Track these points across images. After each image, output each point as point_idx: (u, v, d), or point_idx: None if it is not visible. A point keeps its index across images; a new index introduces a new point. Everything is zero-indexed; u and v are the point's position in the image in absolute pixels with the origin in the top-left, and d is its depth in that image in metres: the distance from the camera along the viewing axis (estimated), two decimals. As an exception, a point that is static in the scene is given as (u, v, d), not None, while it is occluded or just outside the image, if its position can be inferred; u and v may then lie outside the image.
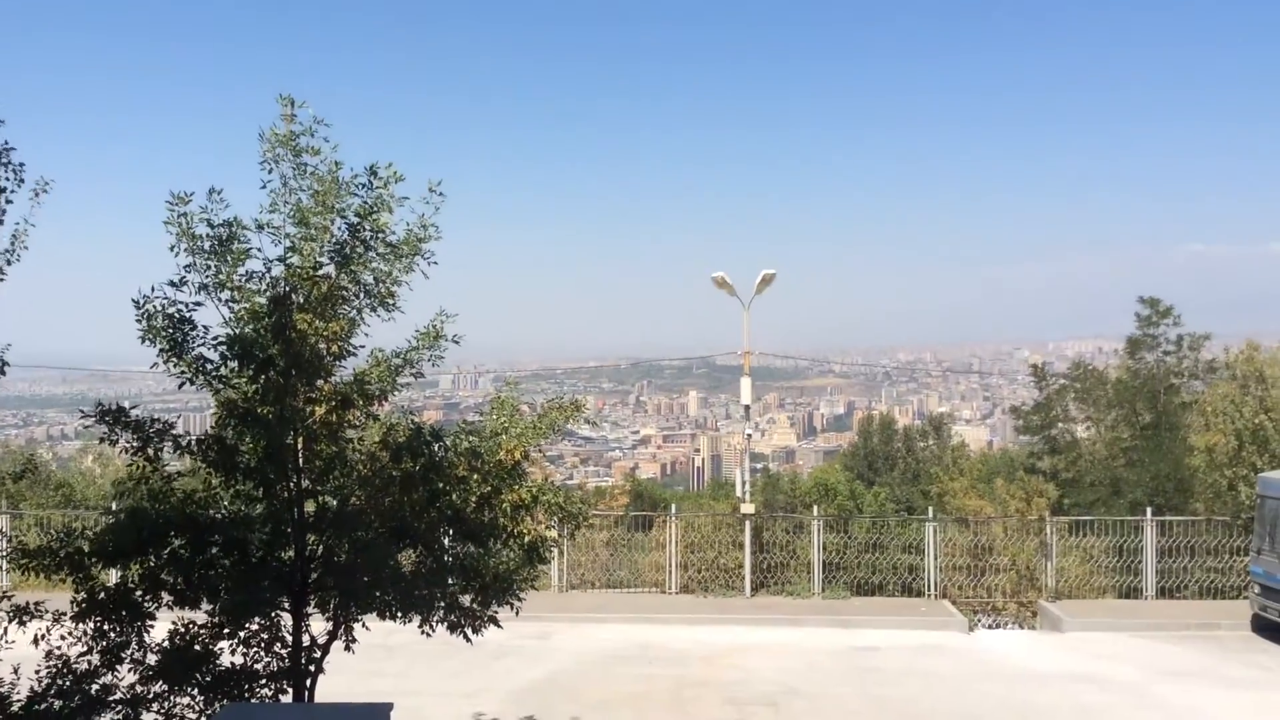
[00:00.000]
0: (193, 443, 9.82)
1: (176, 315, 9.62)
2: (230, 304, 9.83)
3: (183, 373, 9.73)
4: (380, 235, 9.98)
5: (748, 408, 27.13)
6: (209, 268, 9.71)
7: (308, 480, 10.09)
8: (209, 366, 9.74)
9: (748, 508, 24.54)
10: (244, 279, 9.83)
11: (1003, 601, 23.71)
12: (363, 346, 10.55)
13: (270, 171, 9.90)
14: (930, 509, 25.88)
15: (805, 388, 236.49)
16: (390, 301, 10.18)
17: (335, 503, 10.27)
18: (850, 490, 35.91)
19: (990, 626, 22.52)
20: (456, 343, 10.68)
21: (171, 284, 9.61)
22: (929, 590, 23.83)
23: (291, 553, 10.02)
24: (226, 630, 9.80)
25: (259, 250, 9.82)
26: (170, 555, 9.61)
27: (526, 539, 10.72)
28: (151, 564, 9.61)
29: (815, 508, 25.77)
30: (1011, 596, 23.75)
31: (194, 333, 9.67)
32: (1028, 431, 36.94)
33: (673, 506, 26.09)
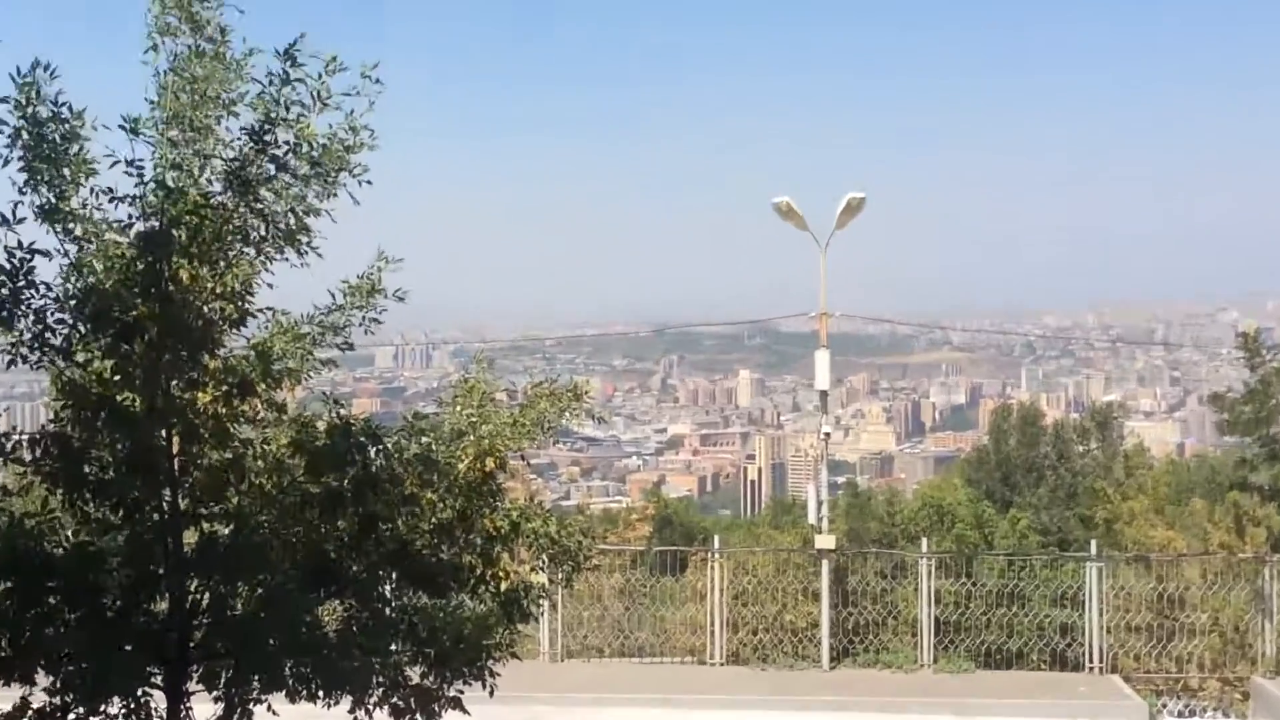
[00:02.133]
0: (21, 445, 9.89)
1: (10, 253, 9.67)
2: (79, 241, 9.87)
3: (11, 345, 9.80)
4: (300, 148, 10.00)
5: (825, 395, 27.03)
6: (48, 182, 9.75)
7: (188, 499, 10.15)
8: (47, 336, 9.81)
9: (825, 540, 24.56)
10: (97, 205, 9.89)
11: (1200, 678, 23.67)
12: (269, 308, 10.63)
13: (154, 50, 9.96)
14: (1093, 543, 25.82)
15: (909, 365, 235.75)
16: (302, 239, 10.21)
17: (227, 532, 10.34)
18: (976, 515, 35.85)
19: (1183, 714, 22.48)
20: (401, 299, 10.74)
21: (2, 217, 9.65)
22: (1092, 661, 23.81)
23: (165, 604, 10.09)
24: (73, 715, 9.89)
25: (125, 163, 9.84)
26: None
27: (503, 585, 10.76)
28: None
29: (924, 541, 25.78)
30: (1213, 671, 23.70)
31: (28, 289, 9.72)
32: (1236, 429, 36.58)
33: (715, 539, 26.17)
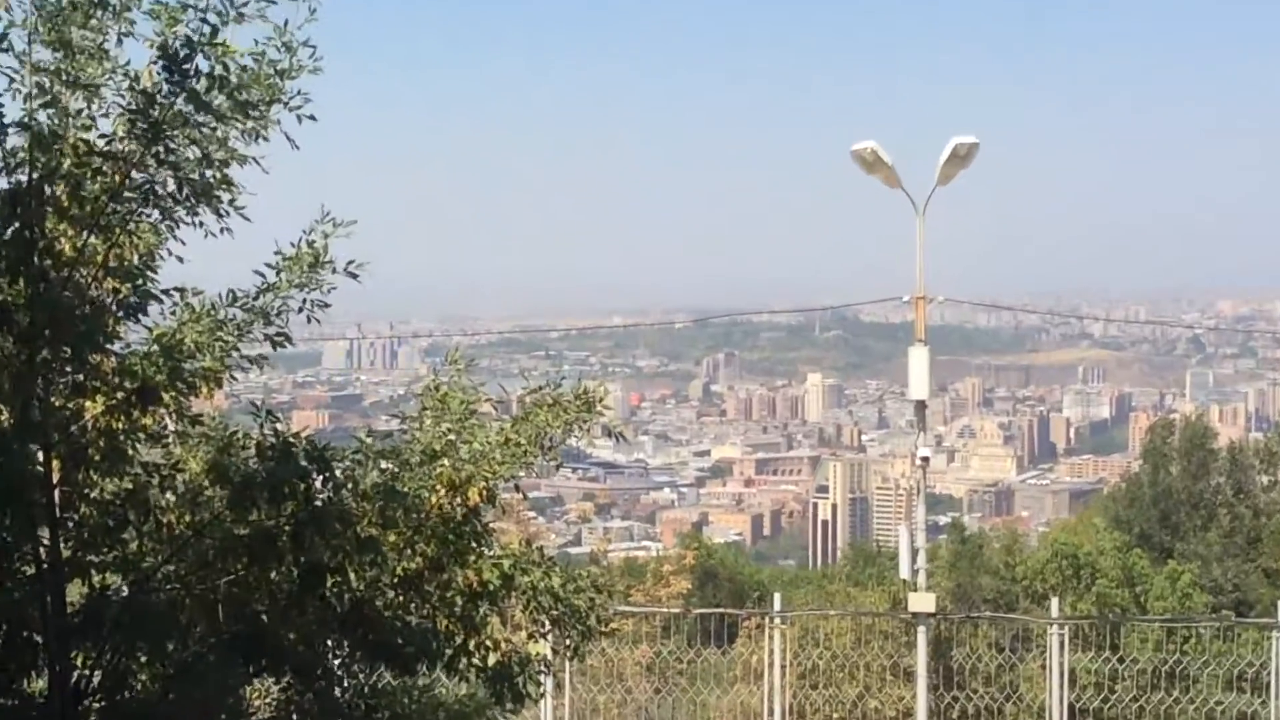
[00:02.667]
0: None
1: None
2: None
3: None
4: (218, 74, 9.96)
5: (923, 406, 26.88)
6: None
7: (72, 543, 10.17)
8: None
9: (923, 601, 24.46)
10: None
11: None
12: (177, 289, 10.63)
13: None
14: (1281, 605, 25.66)
15: (1034, 367, 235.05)
16: (221, 196, 10.18)
17: (125, 586, 10.35)
18: (1124, 569, 35.68)
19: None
20: (354, 276, 10.74)
21: None
22: (1278, 764, 23.65)
23: (44, 681, 10.12)
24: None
25: None
26: None
27: (491, 658, 10.77)
28: None
29: (1054, 602, 25.66)
30: None
31: None
32: None
33: (776, 598, 26.09)
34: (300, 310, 10.77)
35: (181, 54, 9.69)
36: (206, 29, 9.75)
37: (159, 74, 9.79)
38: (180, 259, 10.45)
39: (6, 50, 9.87)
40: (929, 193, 25.13)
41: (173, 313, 10.60)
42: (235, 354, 10.57)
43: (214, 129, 10.09)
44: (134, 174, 9.95)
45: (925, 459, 26.54)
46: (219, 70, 9.83)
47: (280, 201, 10.82)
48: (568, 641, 12.11)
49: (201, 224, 10.35)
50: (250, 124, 10.15)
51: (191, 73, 9.72)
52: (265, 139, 10.24)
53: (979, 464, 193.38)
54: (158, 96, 9.75)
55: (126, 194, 9.95)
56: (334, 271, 10.72)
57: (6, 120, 9.85)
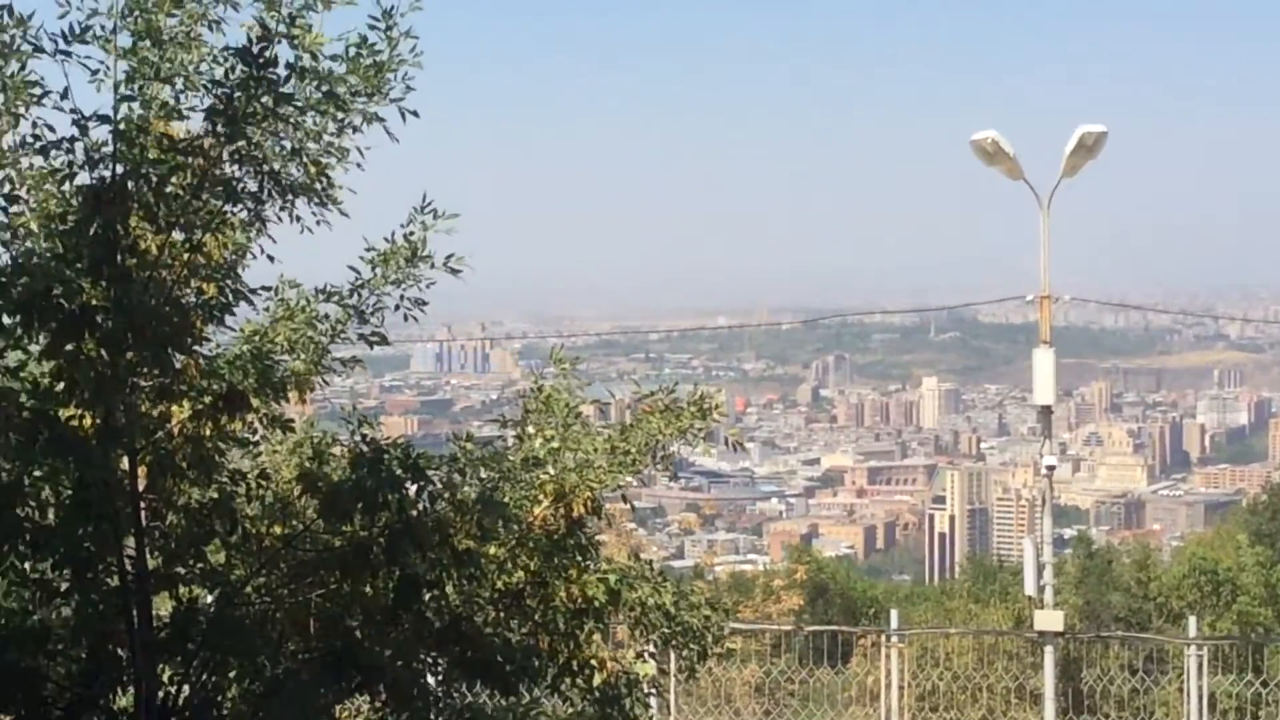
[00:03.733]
0: (-69, 478, 10.04)
1: None
2: (12, 198, 10.03)
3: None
4: (308, 69, 10.00)
5: (1048, 412, 26.60)
6: None
7: (158, 554, 10.25)
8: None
9: (1049, 619, 24.25)
10: (25, 148, 10.02)
11: None
12: (266, 288, 10.68)
13: None
14: None
15: (1166, 371, 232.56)
16: (323, 188, 10.23)
17: (212, 599, 10.42)
18: (1267, 584, 35.29)
19: None
20: (454, 271, 10.73)
21: None
22: None
23: (129, 699, 10.20)
24: None
25: (57, 98, 9.95)
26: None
27: (597, 678, 10.76)
28: None
29: (1191, 621, 25.38)
30: None
31: None
32: None
33: (892, 615, 25.95)
34: (397, 308, 10.79)
35: (257, 45, 9.74)
36: (285, 17, 9.79)
37: (236, 66, 9.82)
38: (271, 257, 10.50)
39: (89, 41, 9.96)
40: (1053, 185, 24.86)
41: (265, 309, 10.65)
42: (327, 357, 10.61)
43: (301, 121, 10.12)
44: (216, 170, 9.99)
45: (1051, 468, 26.22)
46: (306, 60, 9.86)
47: (370, 194, 10.78)
48: (679, 661, 12.08)
49: (298, 218, 10.39)
50: (346, 117, 10.18)
51: (271, 63, 9.75)
52: (360, 132, 10.27)
53: (1107, 473, 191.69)
54: (234, 90, 9.79)
55: (210, 190, 9.99)
56: (432, 267, 10.73)
57: (89, 112, 9.95)
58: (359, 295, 10.68)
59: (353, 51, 10.08)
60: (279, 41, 9.79)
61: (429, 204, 10.73)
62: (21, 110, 10.03)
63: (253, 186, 10.19)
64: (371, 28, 10.11)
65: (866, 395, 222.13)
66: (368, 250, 10.75)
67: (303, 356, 10.51)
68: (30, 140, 10.00)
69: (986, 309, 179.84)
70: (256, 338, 10.39)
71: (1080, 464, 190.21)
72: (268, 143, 10.09)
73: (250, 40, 9.76)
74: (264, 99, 9.83)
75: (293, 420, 10.81)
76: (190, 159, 9.85)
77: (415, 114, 10.35)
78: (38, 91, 9.95)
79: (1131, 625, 30.67)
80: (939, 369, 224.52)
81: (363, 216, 10.99)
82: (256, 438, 10.81)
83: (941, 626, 26.76)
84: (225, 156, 9.94)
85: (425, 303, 10.84)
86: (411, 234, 10.67)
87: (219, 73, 9.90)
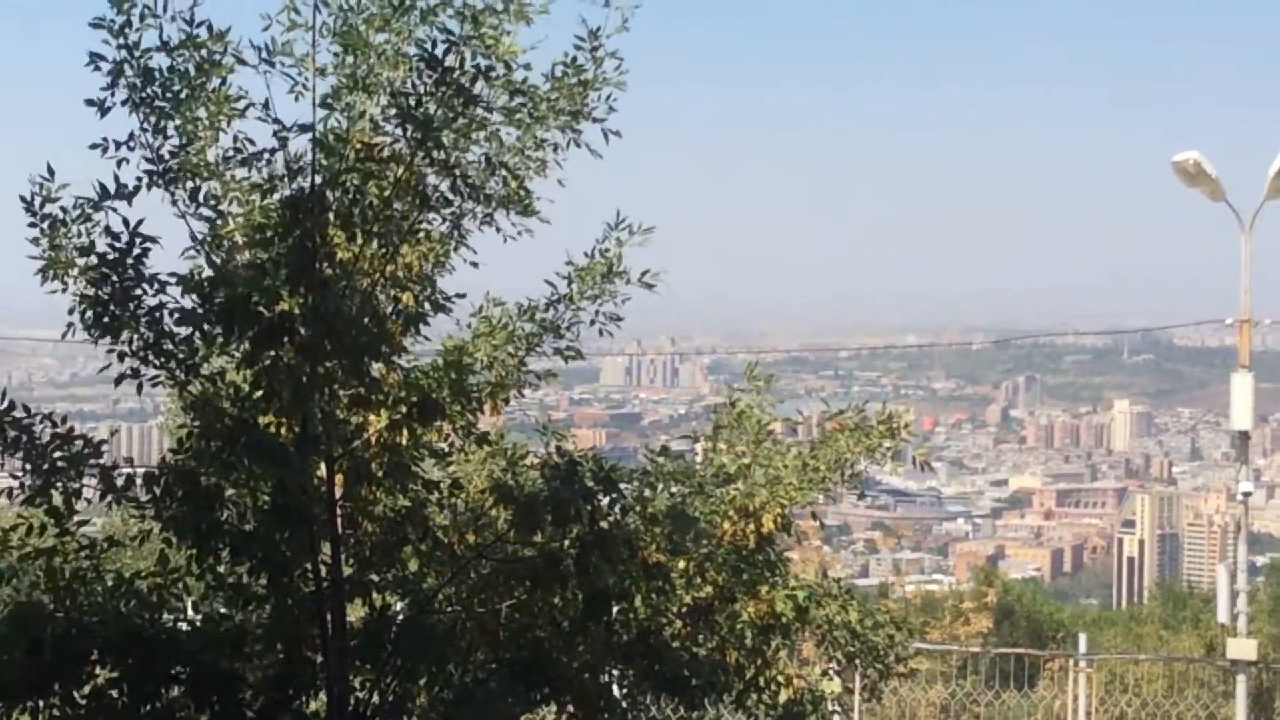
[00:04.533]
0: (134, 482, 10.23)
1: (109, 245, 9.97)
2: (204, 208, 10.20)
3: (120, 352, 10.14)
4: (495, 72, 10.07)
5: (1245, 437, 26.07)
6: (164, 129, 10.05)
7: (353, 561, 10.36)
8: (164, 337, 10.12)
9: (1243, 648, 23.74)
10: (229, 161, 10.19)
11: None
12: (460, 295, 10.75)
13: None
14: None
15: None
16: (523, 200, 10.28)
17: (404, 606, 10.50)
18: None
19: None
20: (649, 286, 10.72)
21: (109, 187, 9.95)
22: None
23: (321, 703, 10.33)
24: None
25: (261, 110, 10.11)
26: (94, 698, 10.03)
27: (783, 694, 10.70)
28: (57, 714, 10.06)
29: (1395, 651, 24.75)
30: None
31: (140, 284, 10.03)
32: None
33: (1081, 639, 25.56)
34: (592, 323, 10.81)
35: (442, 49, 9.84)
36: (471, 21, 9.85)
37: (425, 74, 9.90)
38: (475, 265, 10.57)
39: (289, 55, 10.12)
40: (1257, 207, 24.38)
41: (468, 325, 10.72)
42: (522, 370, 10.65)
43: (497, 130, 10.19)
44: (413, 178, 10.06)
45: (1246, 494, 25.68)
46: (498, 69, 9.90)
47: (568, 205, 10.83)
48: (864, 680, 11.98)
49: (499, 229, 10.46)
50: (545, 132, 10.23)
51: (456, 67, 9.81)
52: (562, 149, 10.31)
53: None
54: (422, 92, 9.90)
55: (408, 199, 10.07)
56: (628, 283, 10.75)
57: (290, 123, 10.09)
58: (555, 310, 10.71)
59: (559, 71, 10.14)
60: (466, 48, 9.90)
61: (624, 220, 10.77)
62: (224, 125, 10.20)
63: (447, 194, 10.28)
64: (578, 48, 10.16)
65: (1056, 417, 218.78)
66: (566, 264, 10.78)
67: (499, 371, 10.55)
68: (233, 153, 10.17)
69: (1181, 332, 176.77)
70: (457, 353, 10.44)
71: (1275, 490, 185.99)
72: (462, 151, 10.17)
73: (434, 45, 9.88)
74: (453, 102, 9.93)
75: (487, 432, 10.86)
76: (387, 167, 9.95)
77: (618, 134, 10.42)
78: (240, 105, 10.12)
79: (1328, 656, 29.94)
80: (1131, 391, 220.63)
81: (562, 228, 11.04)
82: (452, 449, 10.86)
83: (1130, 652, 26.32)
84: (420, 164, 10.03)
85: (620, 318, 10.86)
86: (607, 250, 10.69)
87: (414, 82, 10.01)
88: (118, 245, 9.93)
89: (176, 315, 10.01)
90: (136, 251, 9.95)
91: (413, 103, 9.97)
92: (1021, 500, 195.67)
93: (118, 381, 10.22)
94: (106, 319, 10.00)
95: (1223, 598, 25.17)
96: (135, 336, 10.06)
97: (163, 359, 10.18)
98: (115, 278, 9.95)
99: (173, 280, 10.02)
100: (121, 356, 10.14)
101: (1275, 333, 31.27)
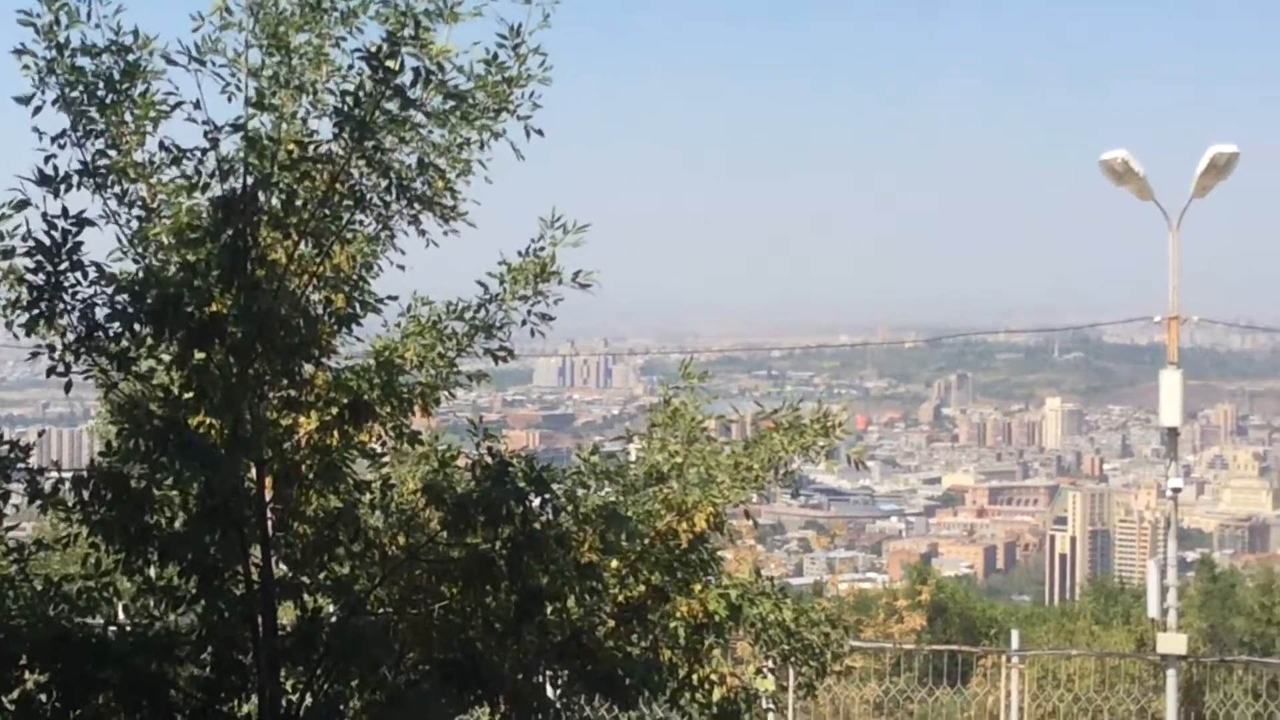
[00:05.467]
0: (62, 485, 10.15)
1: (44, 233, 9.89)
2: (134, 210, 10.12)
3: (49, 348, 10.06)
4: (433, 74, 10.04)
5: (1174, 434, 26.25)
6: (92, 132, 9.98)
7: (284, 563, 10.29)
8: (97, 336, 10.04)
9: (1172, 643, 23.89)
10: (160, 162, 10.11)
11: None
12: (392, 297, 10.71)
13: None
14: None
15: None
16: (447, 203, 10.24)
17: (336, 608, 10.44)
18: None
19: None
20: (584, 287, 10.70)
21: (42, 175, 9.89)
22: None
23: (252, 706, 10.26)
24: None
25: (190, 108, 10.05)
26: (22, 703, 9.94)
27: (717, 693, 10.70)
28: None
29: (1319, 646, 24.97)
30: None
31: (72, 271, 9.96)
32: None
33: (1014, 635, 25.68)
34: (524, 323, 10.77)
35: (385, 51, 9.77)
36: (412, 24, 9.80)
37: (363, 72, 9.86)
38: (401, 267, 10.54)
39: (220, 53, 10.05)
40: (1184, 206, 24.53)
41: (397, 324, 10.68)
42: (453, 371, 10.61)
43: (429, 132, 10.15)
44: (345, 179, 10.02)
45: (1176, 490, 25.86)
46: (428, 67, 9.86)
47: (499, 204, 10.79)
48: (799, 678, 12.00)
49: (424, 232, 10.42)
50: (471, 131, 10.18)
51: (397, 70, 9.77)
52: (486, 148, 10.28)
53: (1231, 496, 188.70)
54: (361, 94, 9.84)
55: (338, 199, 10.02)
56: (560, 282, 10.71)
57: (221, 122, 10.02)
58: (487, 310, 10.67)
59: (480, 68, 10.09)
60: (405, 49, 9.82)
61: (558, 219, 10.74)
62: (149, 129, 10.12)
63: (381, 194, 10.24)
64: (500, 45, 10.11)
65: (989, 415, 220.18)
66: (499, 264, 10.74)
67: (430, 371, 10.52)
68: (162, 155, 10.09)
69: (1111, 330, 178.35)
70: (387, 352, 10.40)
71: (1204, 487, 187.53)
72: (396, 152, 10.14)
73: (375, 46, 9.81)
74: (390, 104, 9.90)
75: (419, 433, 10.82)
76: (319, 167, 9.91)
77: (540, 133, 10.36)
78: (166, 108, 10.04)
79: (1256, 650, 30.20)
80: (1062, 389, 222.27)
81: (493, 227, 11.02)
82: (384, 450, 10.82)
83: (1063, 648, 26.45)
84: (353, 163, 9.99)
85: (552, 318, 10.82)
86: (541, 249, 10.66)
87: (346, 85, 9.97)
88: (51, 232, 9.80)
89: (108, 311, 9.91)
90: (71, 241, 9.83)
91: (350, 103, 9.92)
92: (954, 498, 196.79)
93: (49, 374, 10.11)
94: (38, 309, 9.87)
95: (1153, 593, 25.34)
96: (67, 328, 9.97)
97: (94, 354, 10.08)
98: (50, 266, 9.83)
99: (107, 268, 9.95)
100: (51, 350, 10.03)
101: (1203, 330, 31.48)
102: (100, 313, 9.95)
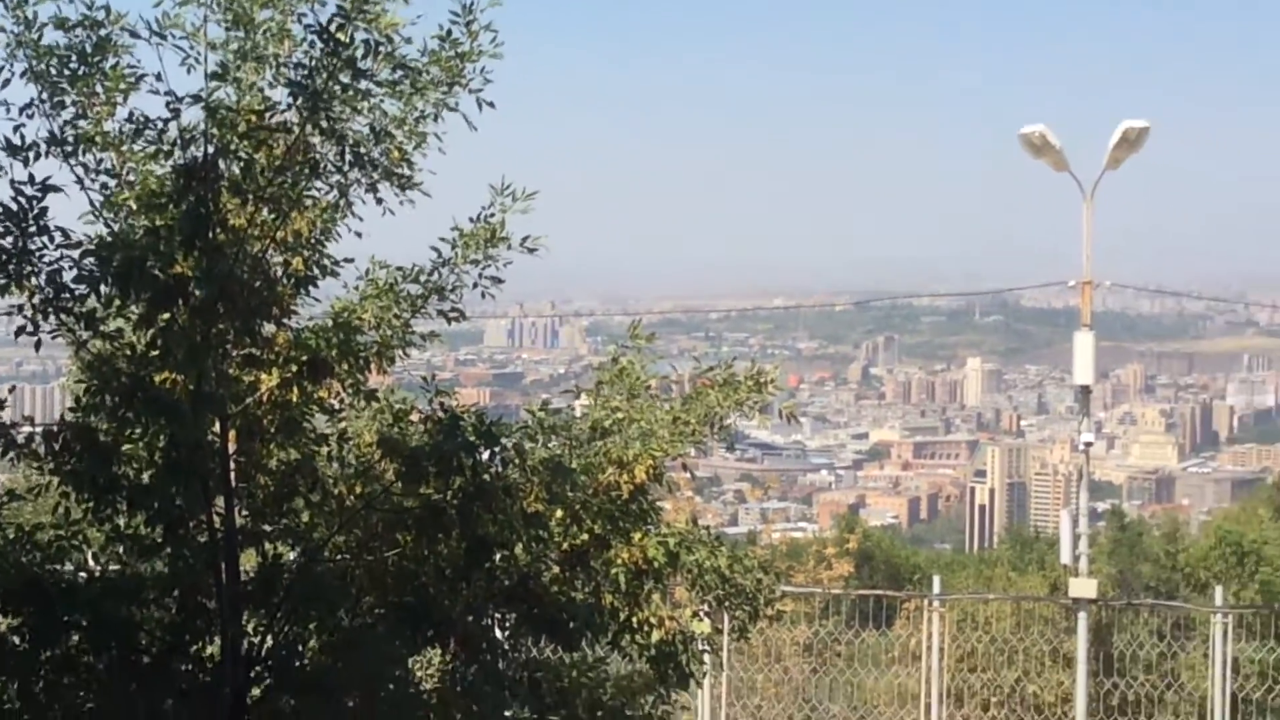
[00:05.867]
0: (35, 439, 10.11)
1: (11, 199, 9.85)
2: (101, 177, 10.09)
3: (19, 309, 10.01)
4: (383, 47, 10.05)
5: (1086, 392, 26.41)
6: (62, 103, 9.96)
7: (246, 512, 10.30)
8: (65, 297, 10.01)
9: (1083, 587, 24.09)
10: (128, 132, 10.09)
11: None
12: (349, 260, 10.71)
13: None
14: None
15: (1198, 355, 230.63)
16: (404, 173, 10.26)
17: (296, 556, 10.46)
18: (1290, 558, 35.00)
19: None
20: (531, 251, 10.74)
21: (9, 144, 9.85)
22: None
23: (216, 647, 10.26)
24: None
25: (154, 81, 10.02)
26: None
27: (655, 635, 10.75)
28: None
29: (1218, 590, 25.15)
30: None
31: (40, 235, 9.91)
32: None
33: (935, 581, 25.84)
34: (475, 286, 10.80)
35: (335, 24, 9.78)
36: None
37: (316, 46, 9.87)
38: (359, 234, 10.55)
39: (180, 27, 10.04)
40: (1097, 177, 24.72)
41: (355, 287, 10.69)
42: (408, 330, 10.63)
43: (381, 102, 10.17)
44: (302, 148, 10.03)
45: (1088, 444, 26.09)
46: (377, 39, 9.88)
47: (455, 170, 10.81)
48: (733, 621, 12.07)
49: (381, 200, 10.43)
50: (427, 103, 10.21)
51: (347, 42, 9.77)
52: (440, 120, 10.30)
53: (1139, 451, 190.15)
54: (313, 64, 9.86)
55: (295, 167, 10.02)
56: (509, 247, 10.74)
57: (183, 94, 10.02)
58: (440, 273, 10.70)
59: (434, 43, 10.12)
60: (356, 23, 9.83)
61: (508, 186, 10.79)
62: (120, 100, 10.11)
63: (335, 163, 10.23)
64: (453, 21, 10.13)
65: (914, 374, 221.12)
66: (452, 230, 10.76)
67: (386, 331, 10.53)
68: (128, 126, 10.08)
69: (1029, 294, 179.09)
70: (345, 313, 10.41)
71: (1115, 442, 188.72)
72: (350, 122, 10.14)
73: (329, 20, 9.82)
74: (342, 75, 9.90)
75: (375, 390, 10.85)
76: (276, 136, 9.90)
77: (491, 105, 10.42)
78: (135, 79, 10.03)
79: (1160, 594, 30.45)
80: (983, 350, 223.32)
81: (448, 193, 11.03)
82: (341, 405, 10.83)
83: (981, 593, 26.63)
84: (309, 133, 9.98)
85: (501, 281, 10.86)
86: (492, 216, 10.69)
87: (301, 56, 9.98)
88: (19, 198, 9.75)
89: (75, 273, 9.87)
90: (37, 207, 9.78)
91: (303, 75, 9.92)
92: (881, 452, 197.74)
93: (18, 334, 10.07)
94: (6, 273, 9.82)
95: (1065, 541, 25.61)
96: (36, 291, 9.91)
97: (62, 315, 10.04)
98: (17, 230, 9.78)
99: (74, 233, 9.91)
100: (20, 309, 9.99)
101: (1115, 294, 31.69)
102: (67, 276, 9.92)
